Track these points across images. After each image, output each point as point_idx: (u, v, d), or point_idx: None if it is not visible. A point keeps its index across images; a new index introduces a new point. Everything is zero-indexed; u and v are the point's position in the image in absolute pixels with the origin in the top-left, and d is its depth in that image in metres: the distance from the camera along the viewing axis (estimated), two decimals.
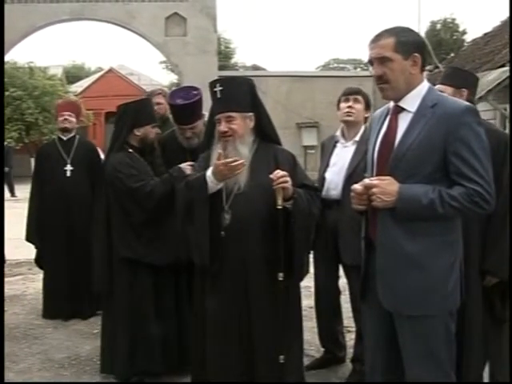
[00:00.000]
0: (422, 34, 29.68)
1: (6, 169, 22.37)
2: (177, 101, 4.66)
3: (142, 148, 4.66)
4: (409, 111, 2.90)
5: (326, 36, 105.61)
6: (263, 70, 30.61)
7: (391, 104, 3.02)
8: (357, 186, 2.92)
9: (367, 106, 4.59)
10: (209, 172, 3.69)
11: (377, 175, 2.93)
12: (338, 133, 4.67)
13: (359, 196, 2.91)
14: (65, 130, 6.48)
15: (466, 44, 26.00)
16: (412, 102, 2.90)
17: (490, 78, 16.07)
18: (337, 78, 19.49)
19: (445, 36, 35.46)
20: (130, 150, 4.62)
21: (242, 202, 3.68)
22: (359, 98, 4.55)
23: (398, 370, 2.99)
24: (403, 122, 2.91)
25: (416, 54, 2.88)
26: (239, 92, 3.79)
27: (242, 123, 3.74)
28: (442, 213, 2.75)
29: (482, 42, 20.92)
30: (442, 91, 3.54)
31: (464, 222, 3.60)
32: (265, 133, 3.92)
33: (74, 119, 6.50)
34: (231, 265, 3.69)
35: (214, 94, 3.76)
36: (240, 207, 3.67)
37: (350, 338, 5.02)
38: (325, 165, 4.66)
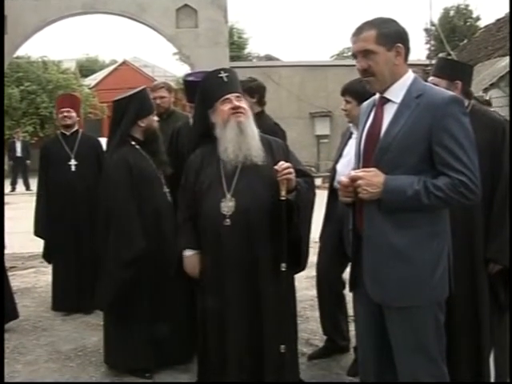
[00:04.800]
0: (435, 20, 29.50)
1: (28, 162, 22.67)
2: (188, 77, 4.93)
3: (146, 138, 4.71)
4: (394, 102, 2.90)
5: (340, 24, 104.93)
6: (277, 59, 30.54)
7: (377, 95, 3.02)
8: (342, 179, 2.93)
9: (361, 100, 4.58)
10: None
11: (363, 167, 2.93)
12: (352, 125, 4.70)
13: (345, 188, 2.92)
14: (67, 127, 6.55)
15: (479, 30, 25.75)
16: (397, 92, 2.90)
17: (503, 65, 15.97)
18: (350, 67, 19.39)
19: (458, 23, 35.13)
20: (133, 143, 4.67)
21: (245, 190, 3.72)
22: (347, 98, 4.54)
23: (390, 360, 2.99)
24: (388, 113, 2.90)
25: (399, 45, 2.87)
26: (239, 81, 3.98)
27: (247, 106, 3.86)
28: (427, 203, 2.75)
29: (494, 28, 20.80)
30: (435, 84, 3.52)
31: (469, 212, 3.65)
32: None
33: (73, 114, 6.54)
34: (238, 253, 3.71)
35: (219, 79, 3.85)
36: (243, 195, 3.71)
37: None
38: (338, 155, 4.72)
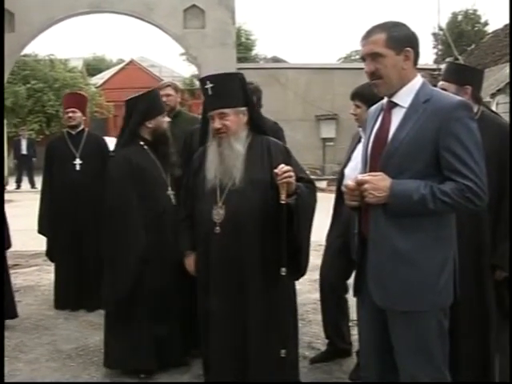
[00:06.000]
0: (443, 25, 29.47)
1: (34, 159, 22.72)
2: None
3: (155, 139, 4.69)
4: (402, 106, 2.88)
5: (348, 27, 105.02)
6: (284, 61, 30.49)
7: (385, 100, 3.00)
8: (349, 182, 2.92)
9: (371, 104, 4.56)
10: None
11: (370, 171, 2.91)
12: (361, 129, 4.67)
13: (351, 192, 2.90)
14: (72, 127, 6.57)
15: (487, 35, 25.72)
16: (405, 97, 2.88)
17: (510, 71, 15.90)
18: (356, 70, 19.36)
19: (466, 28, 35.10)
20: (142, 143, 4.67)
21: (237, 197, 3.70)
22: (357, 103, 4.50)
23: (392, 365, 2.97)
24: (396, 118, 2.89)
25: (408, 49, 2.85)
26: (230, 88, 3.81)
27: (235, 119, 3.77)
28: (433, 208, 2.73)
29: (502, 34, 20.76)
30: (444, 89, 3.51)
31: (476, 218, 3.63)
32: (257, 126, 3.94)
33: (78, 114, 6.54)
34: (227, 261, 3.71)
35: (205, 90, 3.80)
36: (234, 203, 3.70)
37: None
38: (346, 160, 4.70)
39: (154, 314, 4.52)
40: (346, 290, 4.79)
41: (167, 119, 4.81)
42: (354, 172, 4.37)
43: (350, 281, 4.75)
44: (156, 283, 4.51)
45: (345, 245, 4.49)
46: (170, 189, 4.65)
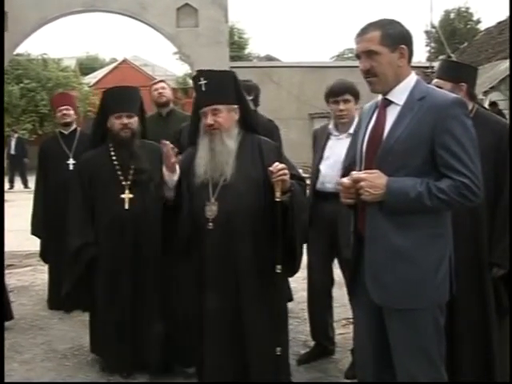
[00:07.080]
0: (436, 23, 29.50)
1: (26, 159, 22.64)
2: None
3: (112, 141, 4.64)
4: (397, 104, 2.88)
5: (341, 26, 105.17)
6: (277, 60, 30.49)
7: (380, 97, 3.00)
8: (344, 180, 2.91)
9: (356, 99, 4.56)
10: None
11: (365, 168, 2.91)
12: (331, 126, 4.66)
13: (347, 190, 2.90)
14: (66, 125, 6.54)
15: (479, 33, 25.78)
16: (400, 94, 2.88)
17: (504, 68, 15.97)
18: (350, 68, 19.33)
19: (458, 25, 35.20)
20: (110, 144, 4.65)
21: (229, 194, 3.69)
22: (348, 97, 4.51)
23: (388, 364, 2.98)
24: (391, 115, 2.89)
25: (403, 46, 2.86)
26: (224, 85, 3.80)
27: (227, 116, 3.76)
28: (430, 205, 2.74)
29: (495, 31, 20.81)
30: (440, 86, 3.51)
31: (474, 216, 3.63)
32: (249, 125, 3.93)
33: (71, 112, 6.54)
34: (220, 257, 3.70)
35: (198, 86, 3.78)
36: (227, 199, 3.69)
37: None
38: (319, 157, 4.68)
39: (133, 316, 4.54)
40: (332, 284, 4.84)
41: (122, 121, 4.57)
42: (331, 170, 4.38)
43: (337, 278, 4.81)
44: (125, 286, 4.52)
45: (330, 242, 4.51)
46: (127, 192, 4.57)
